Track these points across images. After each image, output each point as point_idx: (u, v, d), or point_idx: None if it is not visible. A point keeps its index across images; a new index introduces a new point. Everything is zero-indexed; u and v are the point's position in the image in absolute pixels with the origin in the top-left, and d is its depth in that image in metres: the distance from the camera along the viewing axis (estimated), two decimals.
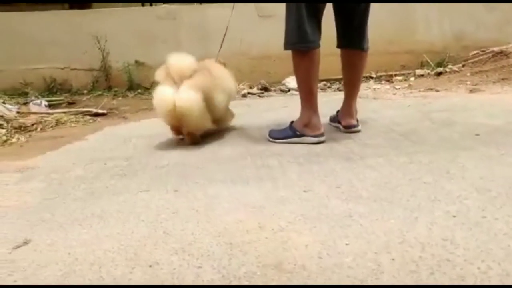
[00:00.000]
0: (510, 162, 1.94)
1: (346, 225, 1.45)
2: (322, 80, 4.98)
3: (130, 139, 2.91)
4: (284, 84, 5.01)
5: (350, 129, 2.66)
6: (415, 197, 1.64)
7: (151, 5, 5.93)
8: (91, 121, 3.80)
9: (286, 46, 2.47)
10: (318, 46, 2.43)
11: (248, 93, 4.80)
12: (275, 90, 5.00)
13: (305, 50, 2.41)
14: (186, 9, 5.18)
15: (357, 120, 2.70)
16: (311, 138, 2.45)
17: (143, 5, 5.95)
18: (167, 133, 2.98)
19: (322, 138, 2.46)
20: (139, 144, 2.77)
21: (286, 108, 3.76)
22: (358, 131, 2.65)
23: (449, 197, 1.61)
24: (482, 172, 1.84)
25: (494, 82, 4.04)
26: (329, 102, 3.68)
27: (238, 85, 4.86)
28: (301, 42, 2.41)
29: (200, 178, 2.01)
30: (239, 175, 2.02)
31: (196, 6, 5.50)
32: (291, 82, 4.87)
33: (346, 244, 1.32)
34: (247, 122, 3.22)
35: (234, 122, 3.21)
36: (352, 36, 2.60)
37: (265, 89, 5.01)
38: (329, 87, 4.85)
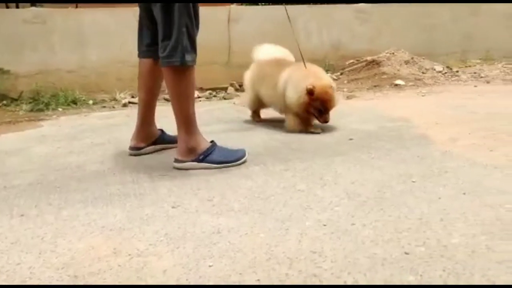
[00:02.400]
0: (380, 165, 1.97)
1: (213, 243, 1.32)
2: (207, 89, 4.89)
3: None
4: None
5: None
6: (287, 206, 1.57)
7: (17, 7, 5.36)
8: None
9: None
10: (140, 56, 2.34)
11: (130, 102, 4.51)
12: (158, 99, 4.76)
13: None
14: (59, 13, 4.74)
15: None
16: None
17: (7, 7, 5.36)
18: (29, 148, 2.64)
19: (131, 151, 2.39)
20: None
21: (166, 118, 3.56)
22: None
23: (321, 205, 1.57)
24: (354, 177, 1.84)
25: (367, 89, 4.25)
26: (212, 111, 3.60)
27: (119, 94, 4.59)
28: None
29: (56, 199, 1.76)
30: (102, 193, 1.80)
31: (70, 10, 5.08)
32: None
33: (210, 265, 1.19)
34: (122, 133, 2.98)
35: (107, 134, 2.96)
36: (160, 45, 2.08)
37: None
38: (214, 96, 4.76)
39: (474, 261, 1.14)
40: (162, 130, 2.54)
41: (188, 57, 2.01)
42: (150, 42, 2.25)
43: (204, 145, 2.11)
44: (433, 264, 1.13)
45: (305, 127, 2.72)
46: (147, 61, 2.30)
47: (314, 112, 2.62)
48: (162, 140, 2.47)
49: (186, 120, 2.10)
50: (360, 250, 1.23)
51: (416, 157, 2.08)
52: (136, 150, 2.38)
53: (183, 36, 1.99)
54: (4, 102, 4.49)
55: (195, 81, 2.12)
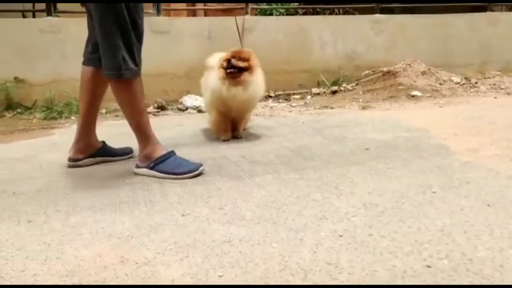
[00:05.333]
0: (397, 175, 1.90)
1: (224, 252, 1.26)
2: None
3: None
4: (181, 103, 4.79)
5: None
6: (301, 216, 1.51)
7: (34, 16, 5.42)
8: None
9: None
10: (83, 63, 2.29)
11: None
12: (172, 109, 4.76)
13: None
14: (72, 22, 4.77)
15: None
16: None
17: (24, 17, 5.42)
18: (39, 155, 2.62)
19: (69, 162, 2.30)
20: None
21: (179, 126, 3.54)
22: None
23: (336, 215, 1.50)
24: (371, 187, 1.77)
25: (383, 99, 4.18)
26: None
27: None
28: None
29: (64, 206, 1.72)
30: (111, 200, 1.76)
31: (83, 19, 5.13)
32: (188, 100, 4.68)
33: (220, 276, 1.13)
34: (133, 142, 2.94)
35: (118, 142, 2.93)
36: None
37: (162, 107, 4.75)
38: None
39: (502, 276, 1.06)
40: (104, 142, 2.45)
41: (126, 71, 1.98)
42: (92, 50, 2.19)
43: (158, 153, 2.11)
44: (458, 279, 1.06)
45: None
46: (89, 69, 2.22)
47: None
48: (103, 153, 2.38)
49: (137, 128, 2.15)
50: (378, 262, 1.16)
51: (435, 167, 2.00)
52: (73, 162, 2.29)
53: (121, 50, 1.96)
54: (18, 110, 4.51)
55: (141, 90, 2.08)
